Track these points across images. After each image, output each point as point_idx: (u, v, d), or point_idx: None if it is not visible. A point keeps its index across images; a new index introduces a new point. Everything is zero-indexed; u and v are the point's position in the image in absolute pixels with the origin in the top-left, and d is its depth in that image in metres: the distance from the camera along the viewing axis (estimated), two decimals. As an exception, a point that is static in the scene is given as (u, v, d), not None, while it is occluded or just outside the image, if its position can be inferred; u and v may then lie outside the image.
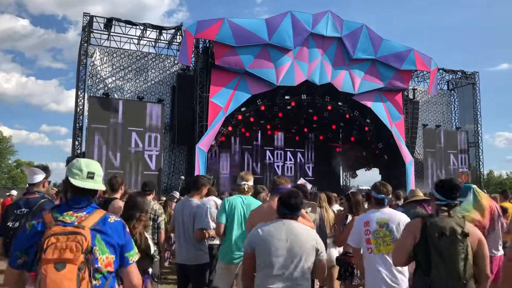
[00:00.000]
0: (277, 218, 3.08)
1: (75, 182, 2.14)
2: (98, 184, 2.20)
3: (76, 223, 2.03)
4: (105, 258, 2.07)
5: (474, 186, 4.71)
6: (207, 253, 4.72)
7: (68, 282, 1.88)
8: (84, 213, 2.11)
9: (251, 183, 4.49)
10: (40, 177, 3.92)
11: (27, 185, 4.01)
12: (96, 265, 2.02)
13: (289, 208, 3.06)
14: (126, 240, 2.21)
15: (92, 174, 2.18)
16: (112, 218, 2.18)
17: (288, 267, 2.93)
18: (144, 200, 4.19)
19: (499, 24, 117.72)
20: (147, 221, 4.02)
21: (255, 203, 4.35)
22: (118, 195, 4.60)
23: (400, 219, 3.75)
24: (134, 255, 2.24)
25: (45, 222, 2.03)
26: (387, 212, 3.81)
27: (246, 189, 4.44)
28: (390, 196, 4.05)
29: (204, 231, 4.54)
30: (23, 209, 3.73)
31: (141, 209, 3.93)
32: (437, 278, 2.68)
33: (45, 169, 4.01)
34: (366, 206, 6.55)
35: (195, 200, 4.67)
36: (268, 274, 2.97)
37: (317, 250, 2.99)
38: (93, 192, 2.23)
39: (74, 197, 2.17)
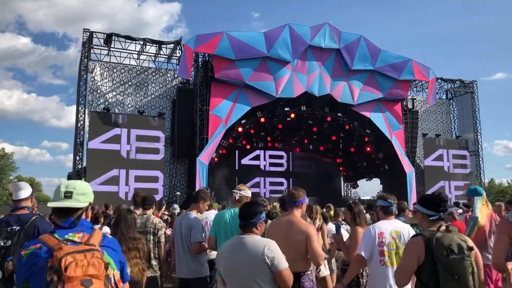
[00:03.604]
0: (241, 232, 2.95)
1: (49, 204, 2.07)
2: (74, 202, 2.08)
3: (84, 242, 1.97)
4: (115, 274, 2.04)
5: (484, 194, 4.83)
6: (207, 266, 4.72)
7: None
8: (85, 233, 2.04)
9: (244, 193, 4.41)
10: (27, 192, 3.71)
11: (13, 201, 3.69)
12: (111, 281, 2.00)
13: (242, 218, 2.94)
14: (122, 255, 2.20)
15: (69, 193, 2.08)
16: (108, 234, 2.21)
17: (240, 285, 2.81)
18: (132, 216, 4.23)
19: (493, 34, 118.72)
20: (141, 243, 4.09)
21: None
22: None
23: (408, 230, 3.66)
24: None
25: (50, 245, 1.92)
26: (398, 223, 3.71)
27: (237, 198, 4.38)
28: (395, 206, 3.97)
29: (203, 243, 4.55)
30: (14, 227, 3.50)
31: (128, 225, 4.02)
32: None
33: (30, 185, 3.82)
34: (368, 216, 6.52)
35: (194, 214, 4.70)
36: None
37: (267, 264, 2.76)
38: (75, 210, 2.10)
39: (60, 218, 2.08)
